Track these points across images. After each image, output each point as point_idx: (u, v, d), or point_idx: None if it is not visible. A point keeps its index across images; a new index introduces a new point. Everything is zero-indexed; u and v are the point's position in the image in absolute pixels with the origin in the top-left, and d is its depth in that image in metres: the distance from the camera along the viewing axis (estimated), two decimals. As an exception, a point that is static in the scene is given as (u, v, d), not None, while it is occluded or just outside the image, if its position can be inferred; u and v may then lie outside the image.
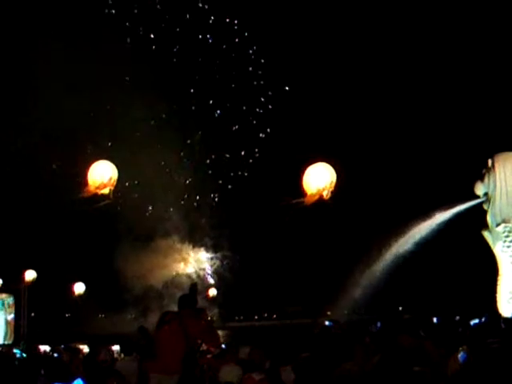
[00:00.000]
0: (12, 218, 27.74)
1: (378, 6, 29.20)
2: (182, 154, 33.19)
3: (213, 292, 33.28)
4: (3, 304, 28.79)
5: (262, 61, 31.71)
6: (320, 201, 12.42)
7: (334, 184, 12.82)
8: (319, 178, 12.65)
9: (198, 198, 33.36)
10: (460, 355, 8.13)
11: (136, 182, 29.43)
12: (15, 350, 19.28)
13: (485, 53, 28.13)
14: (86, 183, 17.39)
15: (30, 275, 28.85)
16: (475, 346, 8.40)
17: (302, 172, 12.95)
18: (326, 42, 29.71)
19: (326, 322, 16.63)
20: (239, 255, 32.38)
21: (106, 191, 17.67)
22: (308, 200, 12.44)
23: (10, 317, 28.78)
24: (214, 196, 33.60)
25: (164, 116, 31.08)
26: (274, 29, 30.06)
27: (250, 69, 31.94)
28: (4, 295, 29.01)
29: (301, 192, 12.72)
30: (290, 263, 32.15)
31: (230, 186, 33.57)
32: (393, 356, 7.49)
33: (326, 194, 12.50)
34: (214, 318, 28.90)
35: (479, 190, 22.43)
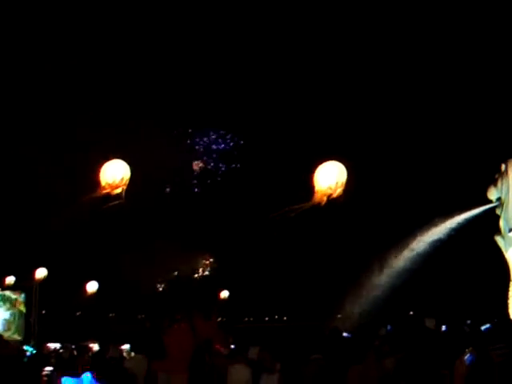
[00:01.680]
0: (24, 216, 27.83)
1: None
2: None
3: (224, 294, 33.22)
4: (13, 301, 29.03)
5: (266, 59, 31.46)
6: (330, 200, 12.28)
7: (344, 183, 12.68)
8: (329, 177, 12.48)
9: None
10: (466, 357, 8.09)
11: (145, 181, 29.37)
12: (26, 347, 19.39)
13: (499, 55, 27.96)
14: (97, 183, 17.34)
15: (41, 273, 28.97)
16: (482, 349, 8.35)
17: (312, 171, 12.83)
18: (342, 35, 29.54)
19: (345, 334, 16.52)
20: (249, 256, 32.31)
21: (118, 191, 17.62)
22: (317, 199, 12.29)
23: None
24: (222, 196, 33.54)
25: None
26: (286, 22, 29.91)
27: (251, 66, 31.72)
28: (15, 292, 29.24)
29: (311, 191, 12.61)
30: (300, 265, 32.06)
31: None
32: (416, 357, 7.45)
33: (336, 194, 12.35)
34: (224, 319, 28.86)
35: (492, 194, 22.31)
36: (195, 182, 33.70)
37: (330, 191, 12.21)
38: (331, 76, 30.09)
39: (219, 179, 34.02)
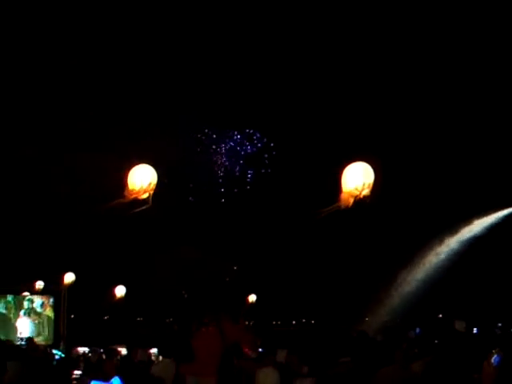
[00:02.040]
0: (53, 220, 28.08)
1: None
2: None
3: (252, 298, 33.21)
4: (42, 305, 29.41)
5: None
6: (357, 202, 12.17)
7: (371, 184, 12.57)
8: (357, 178, 12.37)
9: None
10: (494, 358, 8.00)
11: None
12: (55, 351, 19.57)
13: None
14: (125, 188, 17.38)
15: (69, 278, 29.26)
16: (509, 349, 8.27)
17: (339, 172, 12.74)
18: (364, 34, 29.32)
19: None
20: (274, 259, 32.23)
21: (145, 196, 17.66)
22: (344, 201, 12.19)
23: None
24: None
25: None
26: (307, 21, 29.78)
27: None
28: (44, 296, 29.61)
29: (337, 193, 12.50)
30: (328, 268, 31.95)
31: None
32: (446, 361, 7.39)
33: (364, 195, 12.24)
34: (252, 323, 28.87)
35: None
36: (222, 189, 33.69)
37: (356, 192, 12.10)
38: (359, 75, 29.91)
39: (248, 182, 33.97)
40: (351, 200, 11.91)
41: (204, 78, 31.12)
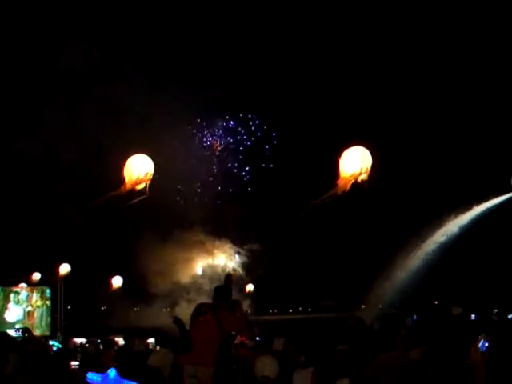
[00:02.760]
0: (49, 212, 28.05)
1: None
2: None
3: (250, 287, 33.22)
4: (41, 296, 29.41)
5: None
6: (355, 187, 12.12)
7: (369, 169, 12.49)
8: (354, 162, 12.30)
9: (220, 188, 33.16)
10: (480, 344, 7.96)
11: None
12: (52, 342, 19.56)
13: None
14: (121, 179, 17.20)
15: (65, 269, 29.27)
16: (495, 334, 8.23)
17: (337, 156, 12.66)
18: (362, 23, 29.27)
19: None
20: (270, 248, 32.21)
21: (141, 186, 17.51)
22: (342, 185, 12.13)
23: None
24: (238, 187, 33.39)
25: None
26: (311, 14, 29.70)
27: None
28: (40, 288, 29.59)
29: (334, 178, 12.44)
30: (324, 256, 31.96)
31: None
32: (443, 347, 7.38)
33: (361, 179, 12.17)
34: (249, 311, 28.88)
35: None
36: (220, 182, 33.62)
37: (353, 178, 12.06)
38: (357, 59, 29.81)
39: (246, 174, 33.89)
40: (349, 185, 11.87)
41: (203, 64, 31.06)
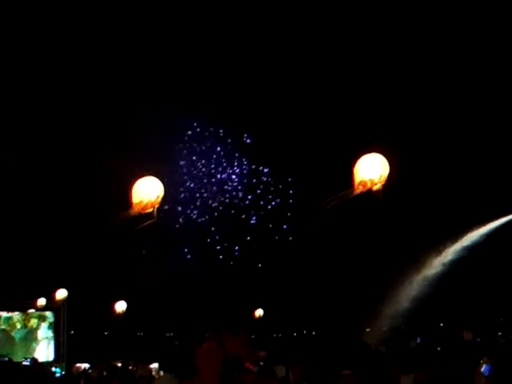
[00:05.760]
0: (55, 236, 28.05)
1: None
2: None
3: (259, 312, 33.06)
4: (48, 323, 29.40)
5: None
6: (368, 196, 11.95)
7: (385, 178, 12.32)
8: (374, 168, 12.11)
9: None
10: (483, 369, 7.90)
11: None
12: (55, 369, 19.48)
13: None
14: (129, 203, 16.99)
15: (61, 294, 29.13)
16: (499, 357, 8.16)
17: (352, 164, 12.46)
18: (371, 27, 29.06)
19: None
20: (277, 273, 32.07)
21: (149, 210, 17.35)
22: (357, 189, 11.94)
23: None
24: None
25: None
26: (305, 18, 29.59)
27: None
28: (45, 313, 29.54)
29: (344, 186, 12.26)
30: (328, 276, 31.80)
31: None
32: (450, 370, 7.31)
33: (376, 187, 12.00)
34: (253, 336, 28.72)
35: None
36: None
37: (371, 184, 11.87)
38: (376, 64, 29.56)
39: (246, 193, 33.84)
40: (365, 189, 11.68)
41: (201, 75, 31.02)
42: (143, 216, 17.05)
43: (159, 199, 16.86)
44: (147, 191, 16.66)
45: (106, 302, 31.05)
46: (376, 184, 12.23)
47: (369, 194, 12.46)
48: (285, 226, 31.61)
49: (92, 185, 27.77)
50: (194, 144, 32.23)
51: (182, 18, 29.54)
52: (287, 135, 32.26)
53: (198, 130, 32.28)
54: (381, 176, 12.49)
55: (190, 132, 31.37)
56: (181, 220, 31.91)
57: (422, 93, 28.93)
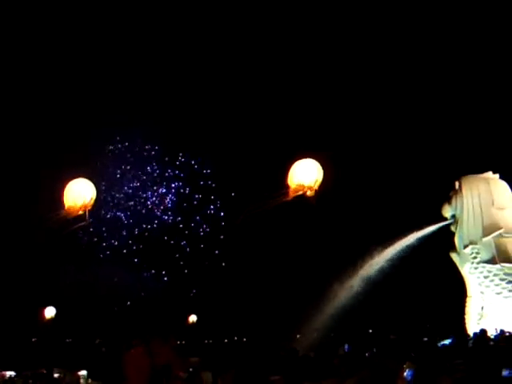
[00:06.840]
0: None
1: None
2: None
3: (193, 318, 32.86)
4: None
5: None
6: (302, 199, 12.09)
7: (319, 183, 12.46)
8: (309, 173, 12.24)
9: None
10: (406, 374, 8.01)
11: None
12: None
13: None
14: (61, 205, 16.64)
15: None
16: (421, 362, 8.28)
17: (287, 167, 12.55)
18: (322, 39, 29.30)
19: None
20: (210, 280, 32.03)
21: (81, 212, 17.01)
22: (292, 192, 12.06)
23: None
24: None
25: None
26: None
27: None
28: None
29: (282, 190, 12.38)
30: (261, 283, 31.93)
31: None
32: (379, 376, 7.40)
33: (309, 193, 12.15)
34: (183, 343, 28.60)
35: (447, 212, 22.69)
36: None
37: (307, 187, 12.02)
38: (311, 70, 29.86)
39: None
40: (298, 193, 11.80)
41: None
42: (75, 219, 16.75)
43: (92, 201, 16.61)
44: (82, 194, 16.37)
45: (34, 308, 30.38)
46: (311, 189, 12.38)
47: (302, 199, 12.59)
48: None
49: (22, 187, 27.25)
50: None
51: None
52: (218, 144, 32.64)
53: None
54: (316, 181, 12.65)
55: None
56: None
57: (356, 100, 29.43)
